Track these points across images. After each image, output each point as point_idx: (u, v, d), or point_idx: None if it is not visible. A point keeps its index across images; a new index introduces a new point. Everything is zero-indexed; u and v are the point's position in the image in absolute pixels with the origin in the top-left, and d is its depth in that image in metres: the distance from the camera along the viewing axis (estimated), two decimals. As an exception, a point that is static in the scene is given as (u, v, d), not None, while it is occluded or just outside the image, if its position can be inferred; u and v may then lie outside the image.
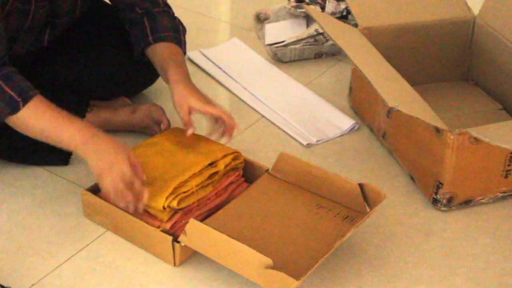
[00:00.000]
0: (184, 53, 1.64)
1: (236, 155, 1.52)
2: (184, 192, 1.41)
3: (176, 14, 1.70)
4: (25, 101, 1.40)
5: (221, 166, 1.48)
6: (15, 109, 1.39)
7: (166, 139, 1.56)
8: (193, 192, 1.43)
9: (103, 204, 1.44)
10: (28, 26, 1.53)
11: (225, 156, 1.50)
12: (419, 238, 1.49)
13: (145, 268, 1.40)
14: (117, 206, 1.41)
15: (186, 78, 1.55)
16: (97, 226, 1.48)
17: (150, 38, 1.61)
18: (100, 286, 1.36)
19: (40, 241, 1.45)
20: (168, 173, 1.45)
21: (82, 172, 1.62)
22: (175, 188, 1.40)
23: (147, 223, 1.40)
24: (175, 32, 1.63)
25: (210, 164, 1.47)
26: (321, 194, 1.49)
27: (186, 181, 1.43)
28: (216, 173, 1.47)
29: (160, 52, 1.61)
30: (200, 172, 1.46)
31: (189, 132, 1.51)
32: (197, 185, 1.44)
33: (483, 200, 1.56)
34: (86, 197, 1.47)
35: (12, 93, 1.39)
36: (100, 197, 1.46)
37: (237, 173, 1.53)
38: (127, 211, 1.40)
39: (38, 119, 1.41)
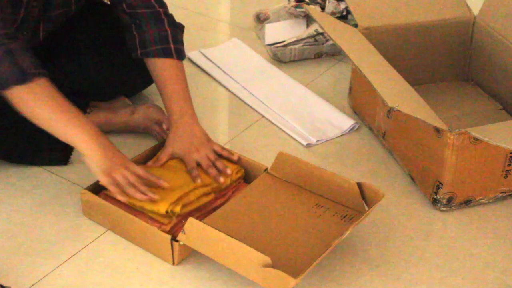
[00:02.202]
0: (179, 57, 1.62)
1: (238, 169, 1.55)
2: (187, 199, 1.43)
3: (176, 15, 1.69)
4: (39, 75, 1.39)
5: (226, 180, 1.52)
6: (25, 79, 1.37)
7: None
8: (196, 198, 1.45)
9: (102, 203, 1.44)
10: (21, 20, 1.51)
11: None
12: (419, 238, 1.49)
13: (145, 268, 1.40)
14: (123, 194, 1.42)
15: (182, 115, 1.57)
16: (97, 226, 1.48)
17: (139, 52, 1.62)
18: (100, 286, 1.36)
19: (40, 241, 1.45)
20: (172, 181, 1.46)
21: (82, 172, 1.62)
22: (179, 198, 1.42)
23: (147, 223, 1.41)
24: (162, 43, 1.61)
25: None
26: (319, 193, 1.49)
27: (190, 191, 1.45)
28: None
29: (153, 71, 1.62)
30: (204, 184, 1.49)
31: (198, 181, 1.49)
32: (199, 197, 1.46)
33: (483, 200, 1.56)
34: (85, 196, 1.47)
35: (25, 66, 1.38)
36: (99, 196, 1.46)
37: (238, 181, 1.55)
38: (131, 205, 1.42)
39: (44, 99, 1.40)
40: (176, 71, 1.61)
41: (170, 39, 1.61)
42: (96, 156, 1.40)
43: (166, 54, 1.60)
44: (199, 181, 1.49)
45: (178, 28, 1.65)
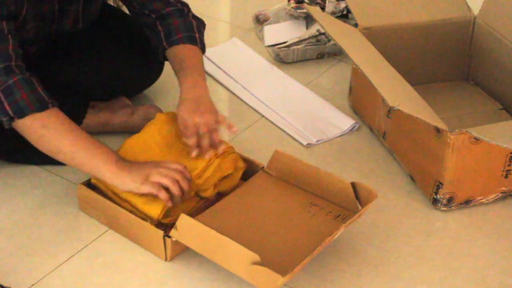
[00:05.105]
0: (202, 49, 1.62)
1: (235, 155, 1.52)
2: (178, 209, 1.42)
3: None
4: (53, 104, 1.40)
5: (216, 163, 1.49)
6: (43, 107, 1.38)
7: (152, 135, 1.54)
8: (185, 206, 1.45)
9: (98, 198, 1.45)
10: (41, 11, 1.51)
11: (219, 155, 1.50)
12: (419, 238, 1.49)
13: (145, 267, 1.40)
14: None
15: (195, 89, 1.53)
16: (96, 226, 1.48)
17: (165, 44, 1.61)
18: (100, 286, 1.36)
19: (40, 241, 1.45)
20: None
21: (81, 172, 1.61)
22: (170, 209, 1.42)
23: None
24: (188, 31, 1.61)
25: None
26: (314, 192, 1.50)
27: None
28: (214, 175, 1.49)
29: (174, 56, 1.60)
30: (198, 175, 1.46)
31: (193, 154, 1.46)
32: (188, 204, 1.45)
33: (483, 200, 1.56)
34: (81, 191, 1.48)
35: (43, 94, 1.40)
36: (95, 191, 1.46)
37: (236, 175, 1.53)
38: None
39: (60, 127, 1.40)
40: (196, 55, 1.60)
41: (195, 28, 1.62)
42: (125, 178, 1.39)
43: (191, 41, 1.60)
44: (194, 154, 1.45)
45: (201, 22, 1.66)
